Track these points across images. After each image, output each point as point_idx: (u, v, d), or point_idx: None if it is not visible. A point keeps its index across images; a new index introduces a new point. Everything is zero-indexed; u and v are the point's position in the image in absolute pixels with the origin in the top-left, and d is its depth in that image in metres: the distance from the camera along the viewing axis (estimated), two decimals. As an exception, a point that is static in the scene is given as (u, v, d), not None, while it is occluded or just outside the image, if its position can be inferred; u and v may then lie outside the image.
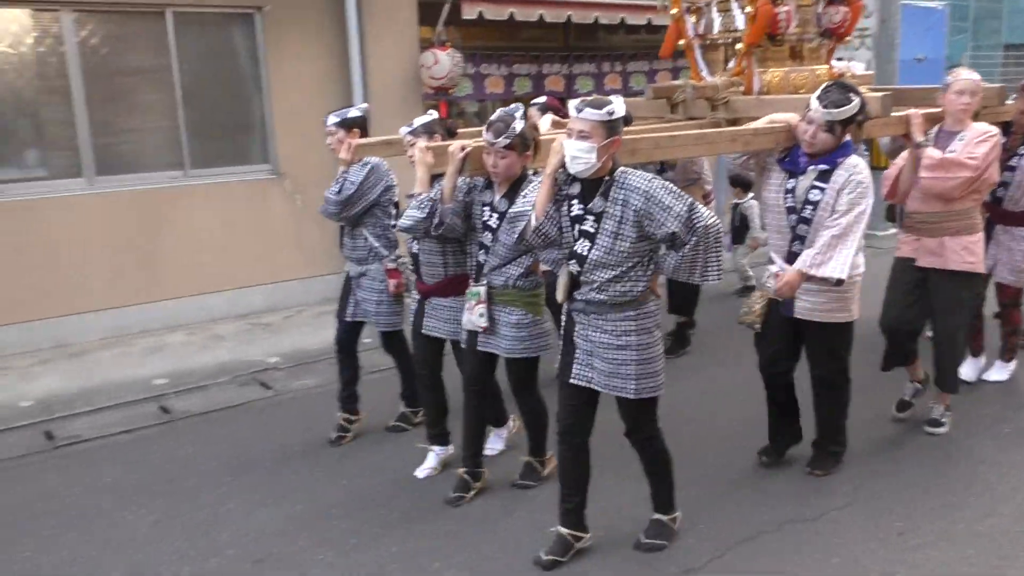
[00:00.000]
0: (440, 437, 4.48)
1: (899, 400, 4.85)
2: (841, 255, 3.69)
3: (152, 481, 4.48)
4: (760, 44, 4.73)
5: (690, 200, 3.19)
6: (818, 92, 3.82)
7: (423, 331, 4.28)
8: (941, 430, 4.63)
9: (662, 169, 5.73)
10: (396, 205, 4.48)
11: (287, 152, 7.20)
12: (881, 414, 4.89)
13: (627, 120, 3.27)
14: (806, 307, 3.94)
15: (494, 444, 4.57)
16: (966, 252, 4.44)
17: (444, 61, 7.32)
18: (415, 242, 4.18)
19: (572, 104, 3.23)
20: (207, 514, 4.12)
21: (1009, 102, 5.12)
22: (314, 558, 3.71)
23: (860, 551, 3.62)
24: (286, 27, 7.08)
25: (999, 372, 5.38)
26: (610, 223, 3.23)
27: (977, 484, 4.15)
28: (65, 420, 5.33)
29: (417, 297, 4.31)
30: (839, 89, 3.79)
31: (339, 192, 4.47)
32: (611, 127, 3.16)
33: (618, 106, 3.18)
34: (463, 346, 4.05)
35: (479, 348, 3.96)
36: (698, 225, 3.16)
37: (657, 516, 3.66)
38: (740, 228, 7.75)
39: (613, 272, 3.26)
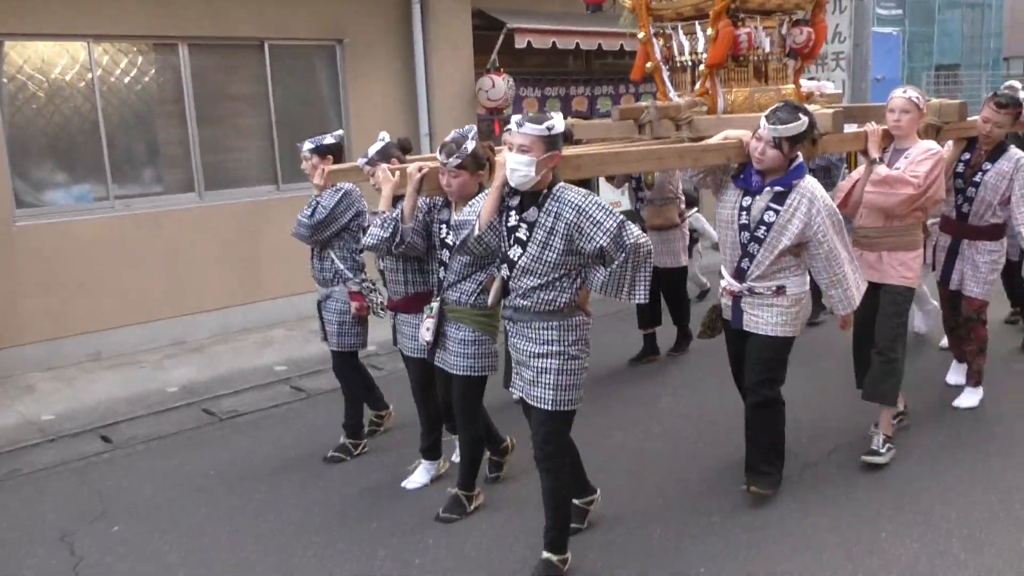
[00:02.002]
0: (429, 451, 4.50)
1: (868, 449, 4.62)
2: (849, 279, 3.93)
3: (305, 447, 5.17)
4: (724, 65, 4.79)
5: (621, 217, 3.25)
6: (767, 111, 3.88)
7: (398, 347, 4.42)
8: (880, 459, 4.46)
9: (639, 188, 6.14)
10: (364, 229, 4.28)
11: (363, 167, 8.05)
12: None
13: (567, 136, 3.43)
14: (752, 319, 4.00)
15: (419, 477, 4.51)
16: (903, 267, 4.46)
17: (500, 85, 8.30)
18: (380, 260, 4.28)
19: (514, 119, 3.31)
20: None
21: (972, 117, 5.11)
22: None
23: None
24: (363, 57, 7.96)
25: (969, 398, 5.25)
26: (541, 232, 3.30)
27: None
28: (215, 400, 6.09)
29: (391, 314, 4.40)
30: (788, 108, 3.84)
31: (312, 216, 4.55)
32: (550, 142, 3.24)
33: (557, 122, 3.26)
34: (430, 361, 4.08)
35: (436, 363, 4.04)
36: (627, 242, 3.20)
37: (547, 555, 3.54)
38: (691, 241, 7.66)
39: (539, 280, 3.33)
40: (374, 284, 4.75)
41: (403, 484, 4.50)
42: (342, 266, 4.70)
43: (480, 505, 4.20)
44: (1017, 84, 9.98)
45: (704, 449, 4.87)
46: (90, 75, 6.66)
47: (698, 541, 3.88)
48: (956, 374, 5.50)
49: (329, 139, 4.74)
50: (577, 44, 8.76)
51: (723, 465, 4.58)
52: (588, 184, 8.61)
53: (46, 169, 6.69)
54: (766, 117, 3.82)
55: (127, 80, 6.91)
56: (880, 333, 4.52)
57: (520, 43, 8.33)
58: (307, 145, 4.68)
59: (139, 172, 7.12)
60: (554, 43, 8.57)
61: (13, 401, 6.08)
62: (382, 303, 4.70)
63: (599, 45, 8.92)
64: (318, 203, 4.58)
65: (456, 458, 4.35)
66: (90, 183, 6.83)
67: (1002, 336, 6.45)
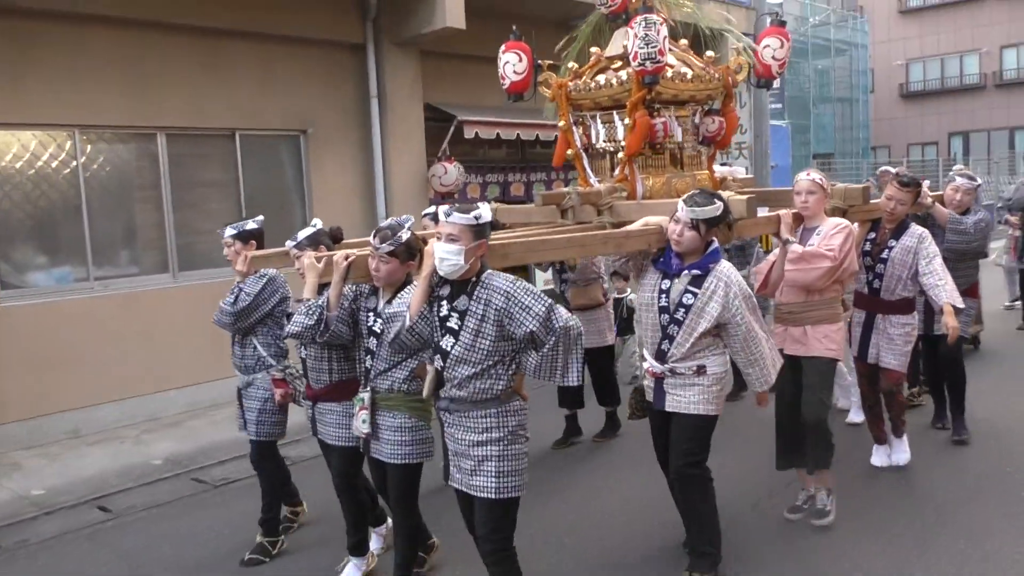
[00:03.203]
0: (357, 547, 4.31)
1: (792, 505, 4.84)
2: (766, 357, 4.03)
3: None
4: (642, 152, 4.88)
5: (549, 302, 3.29)
6: (684, 196, 4.03)
7: (317, 436, 4.27)
8: (826, 521, 4.64)
9: (562, 270, 6.23)
10: (289, 316, 4.14)
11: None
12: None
13: (494, 225, 3.43)
14: (674, 400, 4.04)
15: (350, 574, 4.34)
16: (827, 340, 4.58)
17: (452, 172, 8.99)
18: (303, 347, 4.16)
19: (442, 209, 3.36)
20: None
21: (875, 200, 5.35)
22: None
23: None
24: (325, 146, 8.53)
25: (900, 453, 5.53)
26: (472, 321, 3.30)
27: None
28: (202, 469, 6.34)
29: (308, 404, 4.27)
30: (704, 194, 4.00)
31: (234, 303, 4.47)
32: (478, 231, 3.29)
33: (484, 212, 3.32)
34: (362, 452, 3.99)
35: (372, 455, 3.93)
36: (557, 326, 3.25)
37: None
38: (628, 319, 7.42)
39: (474, 369, 3.32)
40: (297, 371, 4.57)
41: None
42: (265, 353, 4.62)
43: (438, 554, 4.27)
44: (891, 169, 11.28)
45: (641, 532, 4.80)
46: (74, 163, 7.00)
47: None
48: (879, 456, 5.52)
49: (251, 224, 4.66)
50: (518, 135, 9.56)
51: (660, 547, 4.55)
52: (525, 269, 9.35)
53: (30, 251, 6.93)
54: (684, 200, 3.96)
55: (109, 168, 7.27)
56: (808, 406, 4.61)
57: (469, 134, 9.07)
58: (229, 231, 4.59)
59: (118, 254, 7.41)
60: (498, 134, 9.35)
61: (1, 478, 6.18)
62: (302, 392, 4.52)
63: (536, 136, 9.76)
64: (241, 290, 4.49)
65: (377, 549, 4.41)
66: (71, 264, 7.08)
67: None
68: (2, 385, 6.47)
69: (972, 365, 6.72)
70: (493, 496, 3.36)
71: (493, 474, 3.35)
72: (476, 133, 9.14)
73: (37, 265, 6.97)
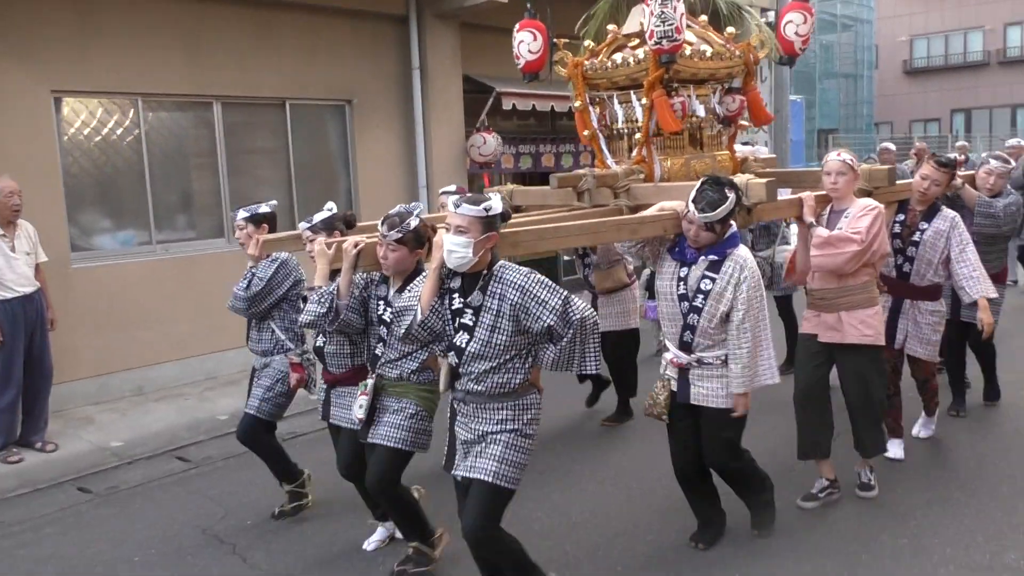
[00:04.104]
0: (384, 517, 4.37)
1: (807, 492, 4.70)
2: (747, 359, 3.85)
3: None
4: (659, 133, 4.76)
5: (565, 294, 3.25)
6: (692, 193, 3.83)
7: (330, 420, 4.25)
8: (871, 494, 4.66)
9: (585, 254, 6.12)
10: (304, 299, 4.16)
11: (368, 215, 8.78)
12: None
13: (505, 216, 3.34)
14: (701, 392, 3.96)
15: (378, 536, 4.42)
16: (863, 326, 4.44)
17: (491, 142, 9.24)
18: (320, 336, 4.15)
19: (451, 200, 3.32)
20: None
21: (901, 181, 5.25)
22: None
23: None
24: (368, 116, 8.76)
25: (925, 428, 5.59)
26: (488, 316, 3.25)
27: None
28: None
29: (323, 387, 4.26)
30: (712, 187, 3.81)
31: (247, 288, 4.45)
32: (488, 223, 3.22)
33: (495, 203, 3.25)
34: (359, 439, 3.97)
35: (370, 440, 3.89)
36: (574, 318, 3.21)
37: None
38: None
39: (490, 364, 3.27)
40: (313, 358, 4.61)
41: (364, 545, 4.39)
42: (283, 336, 4.62)
43: (446, 545, 4.12)
44: (891, 146, 11.51)
45: (671, 510, 4.68)
46: (138, 130, 7.23)
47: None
48: (896, 448, 5.28)
49: (264, 208, 4.63)
50: (552, 106, 9.80)
51: (671, 533, 4.45)
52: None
53: (97, 216, 7.19)
54: (693, 201, 3.79)
55: (169, 135, 7.50)
56: (853, 396, 4.55)
57: (507, 105, 9.32)
58: (242, 213, 4.56)
59: (177, 219, 7.67)
60: (534, 105, 9.59)
61: (78, 431, 6.48)
62: (315, 380, 4.59)
63: (569, 108, 9.97)
64: (253, 274, 4.47)
65: (376, 543, 4.37)
66: (135, 228, 7.34)
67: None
68: (73, 343, 6.73)
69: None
70: (489, 479, 3.27)
71: (496, 458, 3.29)
72: (513, 104, 9.38)
73: (103, 229, 7.23)
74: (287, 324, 4.62)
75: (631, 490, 5.08)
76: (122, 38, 7.00)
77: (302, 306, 4.13)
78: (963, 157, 9.71)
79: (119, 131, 7.19)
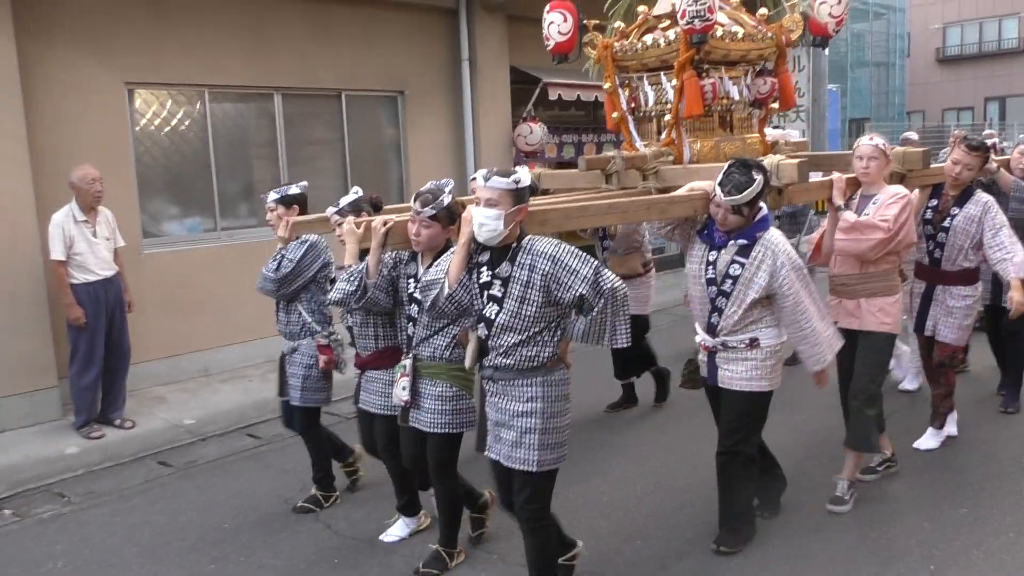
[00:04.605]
0: (407, 508, 4.39)
1: (866, 466, 4.77)
2: (819, 335, 3.85)
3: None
4: (697, 115, 4.71)
5: (595, 263, 3.22)
6: (720, 176, 3.80)
7: (360, 405, 4.28)
8: (843, 508, 4.46)
9: (604, 236, 6.06)
10: (332, 281, 4.20)
11: (420, 204, 9.05)
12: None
13: (533, 189, 3.38)
14: (726, 375, 3.95)
15: (397, 531, 4.43)
16: (882, 313, 4.41)
17: (537, 131, 9.45)
18: (348, 315, 4.18)
19: (480, 174, 3.33)
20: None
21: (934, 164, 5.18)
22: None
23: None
24: (420, 106, 9.01)
25: (929, 440, 5.28)
26: (516, 287, 3.24)
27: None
28: (333, 404, 6.79)
29: (357, 372, 4.31)
30: (740, 169, 3.77)
31: (277, 269, 4.47)
32: (518, 195, 3.23)
33: (524, 176, 3.27)
34: (399, 423, 3.96)
35: (410, 424, 3.88)
36: (605, 287, 3.18)
37: None
38: None
39: (520, 336, 3.25)
40: (341, 339, 4.66)
41: (381, 537, 4.42)
42: (310, 319, 4.62)
43: (461, 563, 4.12)
44: (913, 135, 11.48)
45: (692, 497, 4.78)
46: (204, 121, 7.51)
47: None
48: (951, 424, 5.34)
49: (294, 189, 4.66)
50: (596, 96, 9.97)
51: (706, 517, 4.42)
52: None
53: (166, 203, 7.49)
54: (720, 184, 3.76)
55: (232, 126, 7.78)
56: (858, 381, 4.47)
57: (553, 95, 9.52)
58: (272, 195, 4.59)
59: (240, 206, 7.95)
60: (579, 96, 9.79)
61: (152, 409, 6.79)
62: (345, 361, 4.63)
63: (613, 97, 10.17)
64: (283, 256, 4.49)
65: (397, 533, 4.36)
66: (202, 215, 7.64)
67: (973, 382, 6.54)
68: (144, 326, 7.02)
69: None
70: (535, 470, 3.30)
71: (536, 447, 3.28)
72: (559, 95, 9.58)
73: (171, 216, 7.53)
74: (314, 306, 4.63)
75: (697, 461, 5.12)
76: (191, 32, 7.27)
77: (329, 288, 4.16)
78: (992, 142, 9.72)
79: (187, 122, 7.47)
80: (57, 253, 6.00)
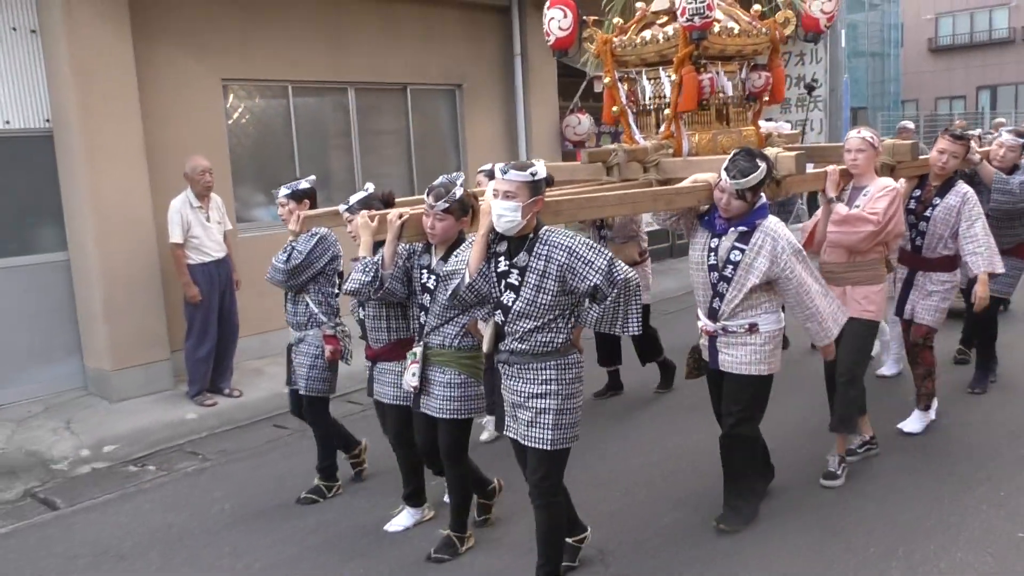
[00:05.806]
0: (412, 498, 4.46)
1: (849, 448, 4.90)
2: (823, 312, 4.01)
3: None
4: (684, 109, 4.83)
5: (610, 254, 3.36)
6: (726, 162, 3.93)
7: (374, 396, 4.39)
8: (835, 483, 4.63)
9: (601, 226, 6.18)
10: (340, 274, 4.27)
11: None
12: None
13: (549, 181, 3.48)
14: (727, 359, 4.07)
15: (402, 520, 4.50)
16: (866, 301, 4.57)
17: (585, 122, 9.99)
18: (360, 308, 4.27)
19: (498, 167, 3.43)
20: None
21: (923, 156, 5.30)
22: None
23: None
24: (476, 98, 9.59)
25: (914, 423, 5.39)
26: (533, 276, 3.36)
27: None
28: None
29: (368, 364, 4.40)
30: (745, 157, 3.91)
31: (287, 261, 4.58)
32: (534, 187, 3.34)
33: (540, 168, 3.37)
34: (413, 408, 4.08)
35: (421, 410, 4.02)
36: (618, 277, 3.32)
37: None
38: None
39: (535, 323, 3.38)
40: (347, 330, 4.81)
41: (385, 527, 4.51)
42: (317, 310, 4.74)
43: (471, 547, 4.23)
44: (910, 124, 11.97)
45: (696, 481, 4.89)
46: (288, 114, 8.05)
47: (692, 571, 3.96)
48: (932, 410, 5.50)
49: (304, 184, 4.79)
50: (636, 88, 10.59)
51: (711, 498, 4.53)
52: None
53: (256, 191, 8.03)
54: (726, 169, 3.90)
55: (313, 118, 8.34)
56: (841, 364, 4.60)
57: (598, 88, 10.08)
58: (283, 191, 4.71)
59: (320, 194, 8.45)
60: (621, 88, 10.37)
61: (253, 380, 7.35)
62: (351, 352, 4.81)
63: (650, 89, 10.77)
64: (293, 248, 4.61)
65: (447, 499, 4.35)
66: (287, 203, 8.17)
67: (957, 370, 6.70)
68: (242, 304, 7.57)
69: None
70: (549, 448, 3.45)
71: (550, 427, 3.43)
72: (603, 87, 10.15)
73: (259, 203, 8.07)
74: (321, 298, 4.75)
75: (698, 447, 5.31)
76: (277, 31, 7.82)
77: (338, 281, 4.26)
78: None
79: (273, 115, 8.01)
80: (176, 236, 6.54)
